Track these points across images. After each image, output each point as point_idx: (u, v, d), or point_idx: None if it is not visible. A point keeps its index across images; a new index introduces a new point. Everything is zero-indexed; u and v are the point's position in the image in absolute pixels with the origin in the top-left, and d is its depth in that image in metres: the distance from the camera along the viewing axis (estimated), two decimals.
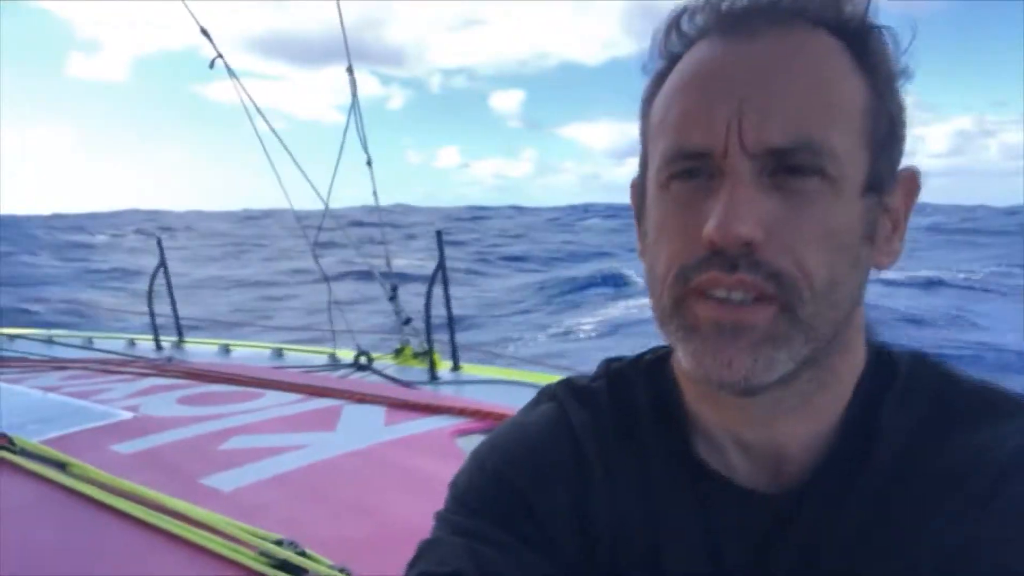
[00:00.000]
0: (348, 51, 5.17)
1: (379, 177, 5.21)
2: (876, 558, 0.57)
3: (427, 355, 4.97)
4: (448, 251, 4.93)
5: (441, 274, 4.92)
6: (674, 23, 0.59)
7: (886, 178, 0.57)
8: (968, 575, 0.52)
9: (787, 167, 0.52)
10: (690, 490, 0.64)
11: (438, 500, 2.12)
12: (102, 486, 2.19)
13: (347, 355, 5.26)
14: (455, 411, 2.85)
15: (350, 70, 5.30)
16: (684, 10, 0.59)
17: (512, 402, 2.94)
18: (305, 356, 5.54)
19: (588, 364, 0.79)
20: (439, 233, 4.99)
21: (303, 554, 1.68)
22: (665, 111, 0.58)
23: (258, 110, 5.06)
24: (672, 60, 0.60)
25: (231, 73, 5.03)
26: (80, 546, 1.91)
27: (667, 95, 0.58)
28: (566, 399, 0.71)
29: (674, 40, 0.60)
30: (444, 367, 4.85)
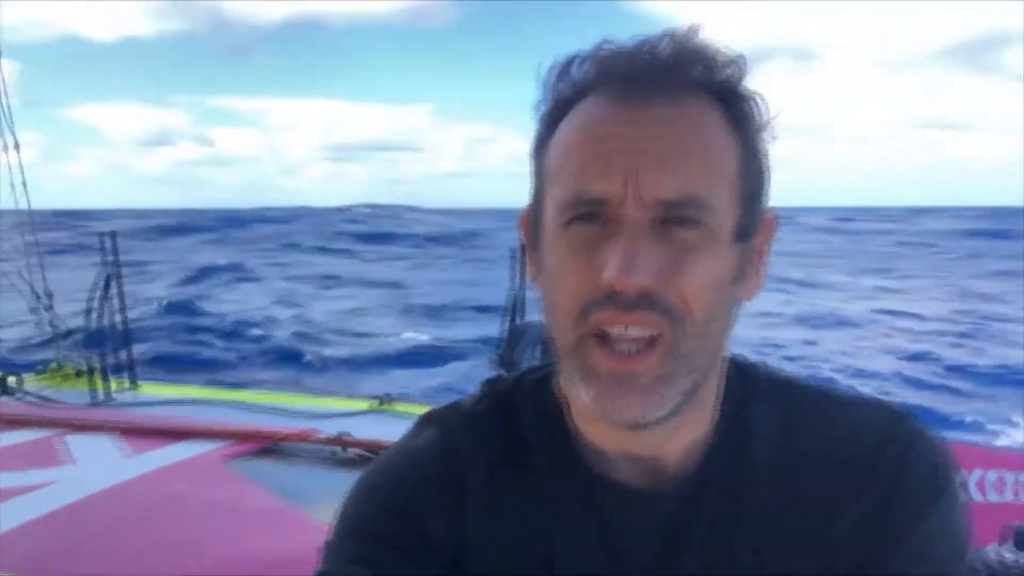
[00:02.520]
0: None
1: None
2: (788, 540, 0.66)
3: (93, 373, 4.41)
4: None
5: (116, 280, 4.42)
6: (564, 70, 0.64)
7: (754, 225, 0.64)
8: (885, 554, 0.64)
9: (674, 219, 0.59)
10: (581, 496, 0.68)
11: (248, 530, 2.02)
12: None
13: None
14: (211, 434, 2.68)
15: None
16: (574, 59, 0.64)
17: (204, 417, 2.82)
18: None
19: None
20: (113, 234, 4.47)
21: None
22: (564, 159, 0.62)
23: None
24: (561, 104, 0.64)
25: None
26: None
27: (565, 144, 0.63)
28: (450, 423, 0.73)
29: (564, 86, 0.64)
30: (117, 386, 4.35)
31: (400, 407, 3.99)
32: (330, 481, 2.42)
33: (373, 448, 2.54)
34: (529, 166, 0.68)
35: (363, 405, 3.88)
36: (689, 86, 0.60)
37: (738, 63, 0.62)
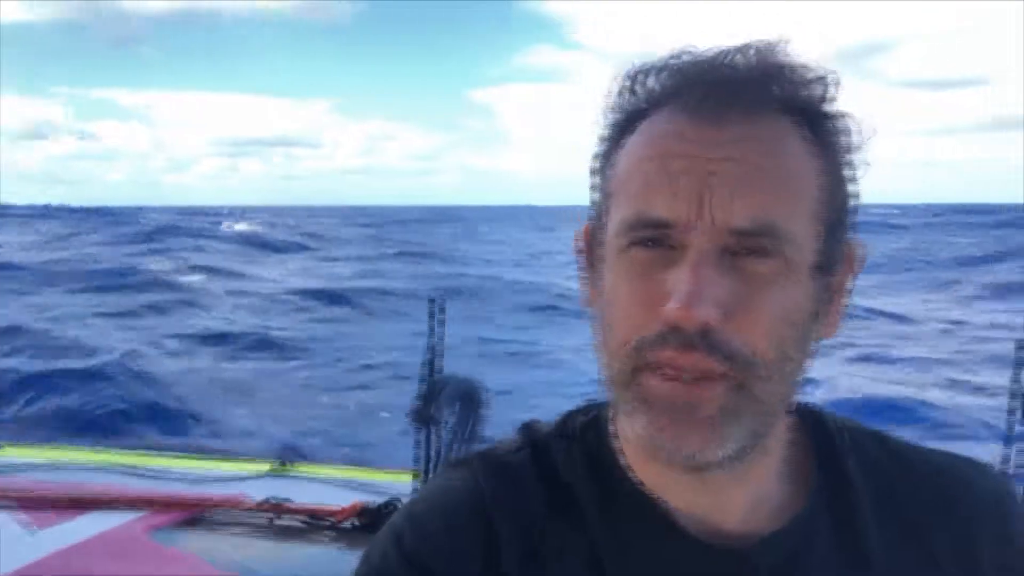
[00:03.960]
0: None
1: None
2: None
3: None
4: None
5: None
6: (631, 83, 0.61)
7: (836, 257, 0.60)
8: None
9: (746, 248, 0.55)
10: (641, 549, 0.63)
11: None
12: None
13: None
14: (126, 503, 2.40)
15: None
16: (642, 70, 0.60)
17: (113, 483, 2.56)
18: None
19: None
20: None
21: None
22: (628, 175, 0.59)
23: None
24: (629, 118, 0.61)
25: None
26: None
27: (631, 159, 0.59)
28: (482, 472, 0.67)
29: (633, 97, 0.61)
30: None
31: (302, 468, 3.76)
32: (269, 551, 2.22)
33: (315, 514, 2.36)
34: (591, 180, 0.65)
35: (259, 468, 3.61)
36: (769, 103, 0.57)
37: (826, 80, 0.59)
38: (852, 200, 0.61)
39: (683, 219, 0.54)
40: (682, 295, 0.53)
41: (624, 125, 0.61)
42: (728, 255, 0.55)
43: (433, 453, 3.59)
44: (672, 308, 0.53)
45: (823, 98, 0.59)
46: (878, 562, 0.63)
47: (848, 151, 0.60)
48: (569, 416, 0.70)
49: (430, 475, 3.43)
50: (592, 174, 0.64)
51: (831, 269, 0.60)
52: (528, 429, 0.70)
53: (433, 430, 3.74)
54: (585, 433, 0.68)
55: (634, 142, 0.60)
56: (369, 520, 2.51)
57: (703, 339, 0.53)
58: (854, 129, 0.60)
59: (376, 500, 2.66)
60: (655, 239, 0.56)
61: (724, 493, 0.62)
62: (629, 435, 0.61)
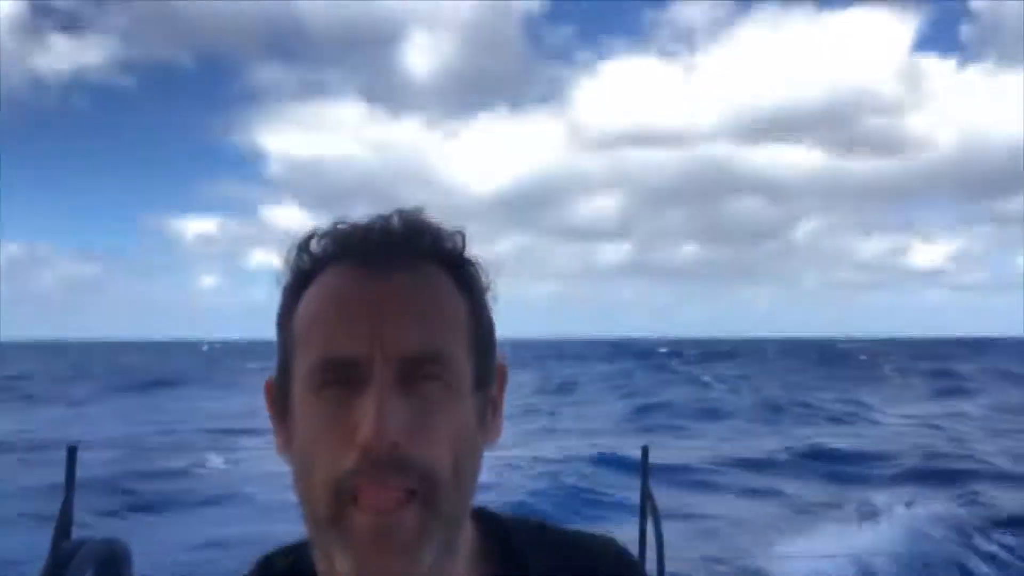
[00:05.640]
0: None
1: None
2: None
3: None
4: None
5: None
6: (304, 245, 0.70)
7: (490, 375, 0.71)
8: None
9: (419, 374, 0.64)
10: None
11: None
12: None
13: None
14: None
15: None
16: (312, 234, 0.70)
17: None
18: None
19: None
20: None
21: None
22: (310, 326, 0.66)
23: None
24: (303, 276, 0.69)
25: None
26: None
27: (311, 312, 0.67)
28: None
29: (305, 260, 0.69)
30: None
31: None
32: None
33: None
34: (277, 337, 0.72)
35: None
36: (421, 255, 0.68)
37: (460, 235, 0.71)
38: (493, 328, 0.73)
39: (363, 355, 0.62)
40: (371, 421, 0.60)
41: (300, 284, 0.69)
42: (405, 382, 0.63)
43: None
44: (364, 434, 0.60)
45: (461, 248, 0.71)
46: None
47: (485, 288, 0.72)
48: (267, 560, 0.73)
49: None
50: (278, 330, 0.71)
51: (488, 384, 0.71)
52: None
53: None
54: (288, 574, 0.71)
55: (312, 295, 0.67)
56: None
57: (394, 461, 0.61)
58: (485, 272, 0.73)
59: None
60: (342, 378, 0.63)
61: None
62: (336, 570, 0.64)
